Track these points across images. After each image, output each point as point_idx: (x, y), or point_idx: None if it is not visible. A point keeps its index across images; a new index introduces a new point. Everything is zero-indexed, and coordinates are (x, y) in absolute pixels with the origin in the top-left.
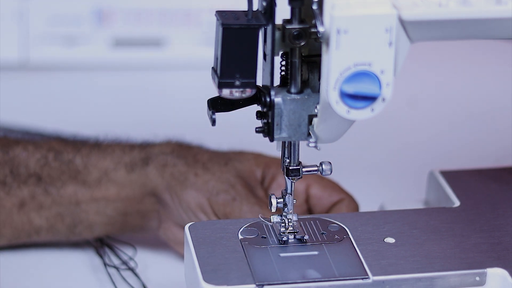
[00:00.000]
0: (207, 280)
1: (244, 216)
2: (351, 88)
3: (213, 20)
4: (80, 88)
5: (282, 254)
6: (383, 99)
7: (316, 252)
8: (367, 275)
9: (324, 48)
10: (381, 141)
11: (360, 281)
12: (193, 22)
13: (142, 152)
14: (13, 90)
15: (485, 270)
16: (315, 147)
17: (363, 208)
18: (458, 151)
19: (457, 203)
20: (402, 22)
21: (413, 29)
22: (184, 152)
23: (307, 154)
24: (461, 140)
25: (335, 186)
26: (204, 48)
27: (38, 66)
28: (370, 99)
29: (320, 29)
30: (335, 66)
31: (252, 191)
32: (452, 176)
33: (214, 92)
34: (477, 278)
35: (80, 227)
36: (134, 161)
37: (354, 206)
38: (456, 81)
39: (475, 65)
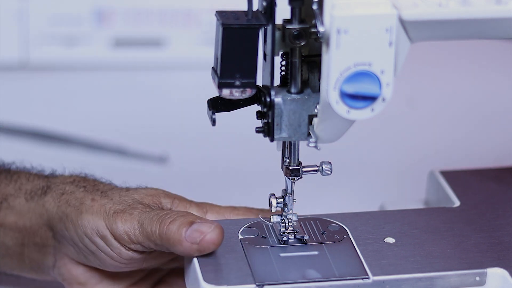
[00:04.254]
0: (207, 280)
1: (144, 223)
2: (351, 88)
3: (213, 20)
4: (80, 88)
5: (282, 254)
6: (383, 99)
7: (316, 252)
8: (367, 275)
9: (324, 48)
10: (381, 141)
11: (360, 281)
12: (193, 22)
13: (44, 180)
14: (13, 90)
15: (485, 270)
16: (315, 147)
17: (363, 208)
18: (458, 151)
19: (457, 203)
20: (402, 22)
21: (413, 29)
22: (86, 182)
23: (307, 154)
24: (461, 140)
25: (247, 211)
26: (204, 48)
27: (38, 66)
28: (370, 99)
29: (320, 29)
30: (335, 66)
31: (152, 209)
32: (452, 176)
33: (214, 92)
34: (477, 278)
35: None
36: (35, 189)
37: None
38: (456, 81)
39: (475, 65)
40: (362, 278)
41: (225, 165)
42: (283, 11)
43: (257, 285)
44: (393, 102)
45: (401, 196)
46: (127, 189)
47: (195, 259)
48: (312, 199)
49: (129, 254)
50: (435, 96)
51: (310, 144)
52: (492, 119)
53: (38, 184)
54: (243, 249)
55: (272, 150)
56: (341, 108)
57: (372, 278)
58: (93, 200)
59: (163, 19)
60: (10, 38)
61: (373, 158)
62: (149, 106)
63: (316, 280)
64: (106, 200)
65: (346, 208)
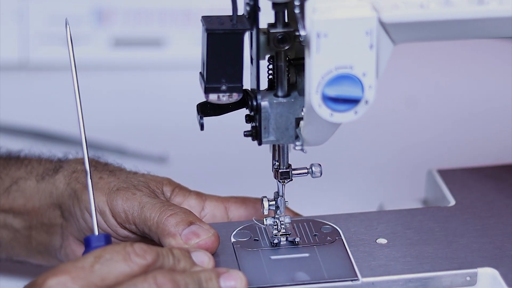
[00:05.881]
0: None
1: (145, 207)
2: (333, 91)
3: None
4: (80, 88)
5: (272, 257)
6: (366, 102)
7: (307, 254)
8: (357, 276)
9: (306, 51)
10: (381, 141)
11: (350, 282)
12: (193, 22)
13: (57, 162)
14: (13, 90)
15: (476, 270)
16: (302, 150)
17: (362, 208)
18: (457, 150)
19: (452, 202)
20: (383, 25)
21: (395, 31)
22: (98, 164)
23: (303, 156)
24: (460, 139)
25: (251, 199)
26: None
27: (38, 66)
28: (352, 102)
29: (302, 33)
30: (316, 70)
31: (156, 196)
32: (449, 175)
33: None
34: (468, 278)
35: None
36: (47, 170)
37: None
38: (454, 80)
39: (474, 64)
40: (351, 280)
41: (224, 165)
42: (269, 15)
43: None
44: (391, 102)
45: (401, 196)
46: (136, 172)
47: None
48: (311, 199)
49: (125, 233)
50: (433, 96)
51: (296, 147)
52: (491, 118)
53: (50, 165)
54: (235, 252)
55: (260, 154)
56: (324, 111)
57: (361, 279)
58: (100, 178)
59: (163, 19)
60: (10, 38)
61: (372, 158)
62: (149, 106)
63: (305, 282)
64: (112, 178)
65: (345, 208)
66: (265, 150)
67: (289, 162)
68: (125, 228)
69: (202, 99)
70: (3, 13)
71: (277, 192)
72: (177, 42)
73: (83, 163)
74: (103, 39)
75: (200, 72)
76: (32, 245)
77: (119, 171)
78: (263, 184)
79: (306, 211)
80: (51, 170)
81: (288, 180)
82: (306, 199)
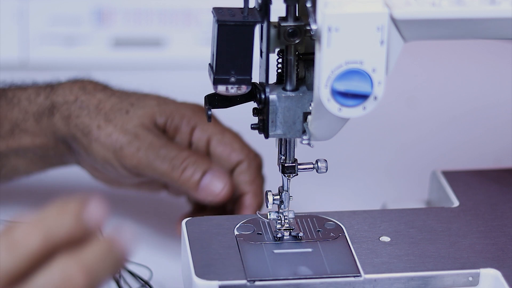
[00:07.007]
0: (199, 275)
1: (154, 163)
2: (342, 86)
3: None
4: None
5: (275, 251)
6: (375, 98)
7: (310, 249)
8: (359, 273)
9: (316, 45)
10: (385, 140)
11: (352, 278)
12: (193, 22)
13: (47, 100)
14: None
15: (479, 270)
16: (308, 144)
17: (366, 207)
18: (462, 152)
19: (456, 203)
20: (394, 21)
21: (406, 28)
22: (87, 101)
23: (309, 152)
24: (464, 140)
25: (235, 143)
26: (204, 48)
27: (38, 66)
28: (361, 97)
29: (313, 26)
30: (326, 64)
31: (156, 135)
32: (453, 177)
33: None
34: (470, 278)
35: (4, 170)
36: (41, 110)
37: (256, 165)
38: (457, 81)
39: (476, 65)
40: (354, 276)
41: None
42: (281, 8)
43: (248, 281)
44: (396, 101)
45: (404, 196)
46: (127, 110)
47: (189, 254)
48: (315, 196)
49: (137, 179)
50: (440, 96)
51: (303, 142)
52: (497, 119)
53: (42, 103)
54: (238, 245)
55: (266, 147)
56: (332, 106)
57: (364, 276)
58: (99, 128)
59: (163, 19)
60: (10, 38)
61: (376, 158)
62: None
63: (308, 277)
64: (111, 128)
65: (349, 206)
66: (268, 146)
67: (295, 157)
68: (138, 176)
69: (202, 98)
70: (3, 13)
71: (282, 187)
72: (177, 42)
73: (75, 102)
74: (103, 39)
75: (209, 64)
76: (48, 165)
77: (113, 114)
78: (268, 178)
79: (309, 207)
80: (46, 110)
81: (294, 174)
82: (310, 196)
